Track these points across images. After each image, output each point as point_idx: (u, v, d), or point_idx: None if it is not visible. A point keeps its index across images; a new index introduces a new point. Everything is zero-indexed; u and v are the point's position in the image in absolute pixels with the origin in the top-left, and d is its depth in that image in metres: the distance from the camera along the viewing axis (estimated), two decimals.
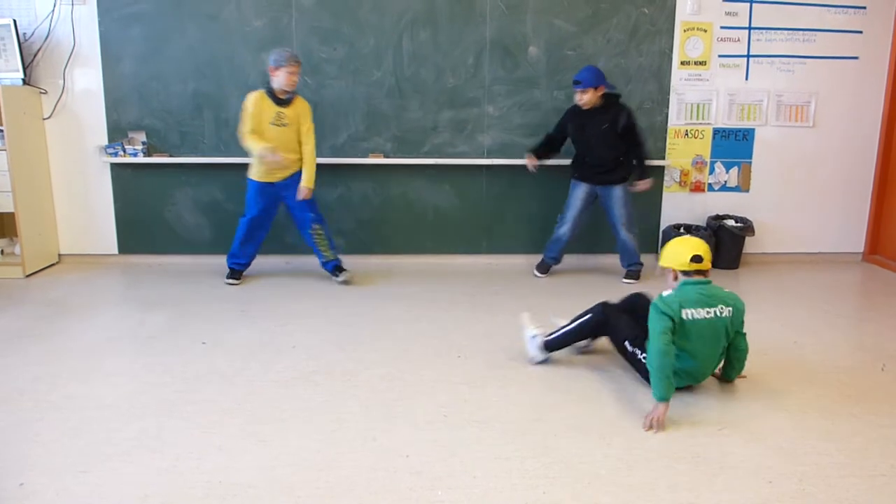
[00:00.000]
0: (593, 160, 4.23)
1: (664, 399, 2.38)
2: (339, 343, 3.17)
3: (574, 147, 4.33)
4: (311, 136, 4.00)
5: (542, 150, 4.37)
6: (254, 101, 3.83)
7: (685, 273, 2.56)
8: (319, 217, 4.13)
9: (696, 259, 2.52)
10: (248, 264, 4.24)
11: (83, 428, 2.32)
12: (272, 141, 3.83)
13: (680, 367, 2.50)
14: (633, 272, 4.39)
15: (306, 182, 3.97)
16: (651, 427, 2.35)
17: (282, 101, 3.87)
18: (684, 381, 2.59)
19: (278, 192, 4.04)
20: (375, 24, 4.42)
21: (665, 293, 2.54)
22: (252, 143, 3.82)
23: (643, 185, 4.22)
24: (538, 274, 4.45)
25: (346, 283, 4.16)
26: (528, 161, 4.32)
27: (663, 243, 4.77)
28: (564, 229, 4.36)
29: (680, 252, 2.57)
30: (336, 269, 4.20)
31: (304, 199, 3.99)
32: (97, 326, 3.39)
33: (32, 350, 3.05)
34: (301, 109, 3.96)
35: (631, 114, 4.16)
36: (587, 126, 4.17)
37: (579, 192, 4.33)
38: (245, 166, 4.53)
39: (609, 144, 4.15)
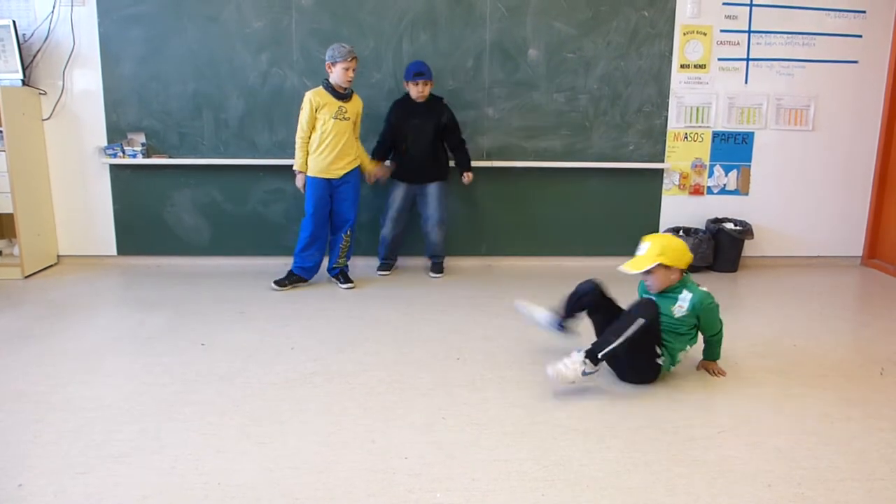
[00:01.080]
0: (412, 157, 4.25)
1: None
2: (338, 345, 3.17)
3: (393, 144, 4.32)
4: (358, 128, 4.14)
5: (386, 155, 4.38)
6: (312, 100, 3.87)
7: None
8: (355, 227, 4.18)
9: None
10: (314, 269, 4.17)
11: (82, 429, 2.32)
12: (336, 136, 3.90)
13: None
14: (440, 265, 4.54)
15: (368, 164, 4.19)
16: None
17: (342, 95, 3.92)
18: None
19: (333, 189, 4.04)
20: (375, 25, 4.43)
21: (702, 288, 2.78)
22: (297, 151, 3.93)
23: (470, 176, 4.36)
24: (381, 272, 4.52)
25: (350, 289, 4.12)
26: (378, 171, 4.32)
27: None
28: (385, 230, 4.45)
29: (687, 254, 2.79)
30: (342, 275, 4.19)
31: (352, 203, 4.08)
32: (96, 327, 3.39)
33: (31, 351, 3.04)
34: (358, 105, 4.05)
35: (451, 111, 4.29)
36: (413, 120, 4.21)
37: (398, 193, 4.37)
38: (244, 167, 4.55)
39: (429, 141, 4.23)
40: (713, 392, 2.70)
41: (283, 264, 4.60)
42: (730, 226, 4.70)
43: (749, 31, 4.63)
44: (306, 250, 4.09)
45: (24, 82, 4.32)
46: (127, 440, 2.25)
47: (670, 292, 2.77)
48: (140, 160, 4.47)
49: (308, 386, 2.71)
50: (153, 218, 4.63)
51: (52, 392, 2.62)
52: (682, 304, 2.75)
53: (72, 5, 4.31)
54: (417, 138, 4.22)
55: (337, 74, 3.84)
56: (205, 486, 1.99)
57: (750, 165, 4.83)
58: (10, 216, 4.27)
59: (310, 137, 3.93)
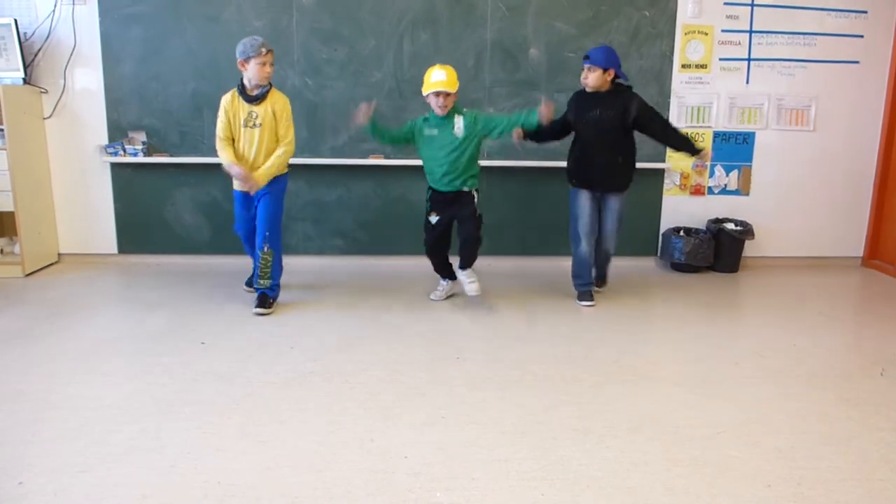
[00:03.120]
0: (592, 159, 3.65)
1: None
2: (338, 344, 3.17)
3: (573, 142, 3.82)
4: (287, 136, 3.49)
5: (537, 130, 3.61)
6: (225, 104, 3.44)
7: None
8: (276, 242, 3.60)
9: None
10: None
11: (82, 428, 2.32)
12: (247, 146, 3.44)
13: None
14: (599, 282, 4.05)
15: (259, 174, 3.40)
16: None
17: (254, 97, 3.40)
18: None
19: (252, 202, 3.61)
20: (376, 25, 4.43)
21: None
22: (220, 153, 3.44)
23: (704, 157, 3.71)
24: (588, 303, 3.82)
25: (260, 315, 3.56)
26: (514, 133, 3.58)
27: (663, 247, 4.78)
28: (582, 248, 3.80)
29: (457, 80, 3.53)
30: (265, 298, 3.62)
31: (269, 216, 3.53)
32: (96, 326, 3.39)
33: (31, 350, 3.05)
34: (277, 105, 3.44)
35: (643, 101, 3.59)
36: (590, 113, 3.60)
37: (584, 200, 3.76)
38: None
39: (613, 140, 3.61)
40: (713, 392, 2.70)
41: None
42: (730, 226, 4.69)
43: (750, 31, 4.63)
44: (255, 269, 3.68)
45: (26, 81, 4.32)
46: (127, 439, 2.25)
47: (447, 117, 3.53)
48: (141, 159, 4.47)
49: (308, 385, 2.71)
50: (154, 216, 4.63)
51: (52, 391, 2.62)
52: (459, 125, 3.52)
53: (73, 4, 4.32)
54: (594, 136, 3.63)
55: (252, 72, 3.32)
56: (204, 484, 1.99)
57: (751, 165, 4.82)
58: (10, 214, 4.27)
59: (230, 141, 3.46)
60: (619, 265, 4.62)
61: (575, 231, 3.82)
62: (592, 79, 3.54)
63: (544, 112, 3.39)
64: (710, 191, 4.84)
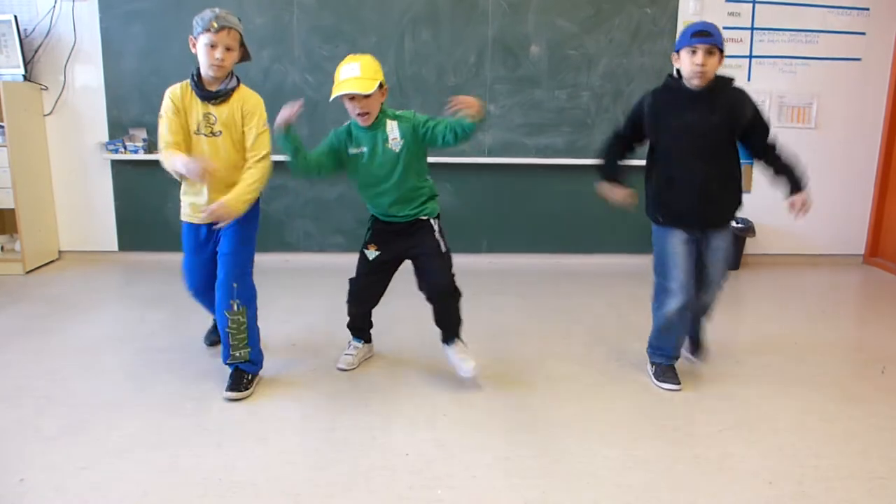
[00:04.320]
0: (689, 181, 2.56)
1: None
2: (339, 342, 3.16)
3: (653, 161, 2.68)
4: (259, 149, 2.46)
5: (616, 170, 2.74)
6: (172, 97, 2.47)
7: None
8: (247, 293, 2.53)
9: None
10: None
11: (83, 425, 2.32)
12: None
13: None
14: (699, 344, 2.93)
15: (232, 199, 2.36)
16: None
17: (212, 94, 2.43)
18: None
19: (210, 239, 2.59)
20: (377, 22, 4.42)
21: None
22: (168, 160, 2.48)
23: (801, 201, 2.62)
24: (673, 386, 2.67)
25: (233, 400, 2.49)
26: (614, 193, 2.74)
27: None
28: (673, 304, 2.61)
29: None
30: (240, 376, 2.54)
31: (232, 261, 2.48)
32: (97, 323, 3.39)
33: (32, 347, 3.05)
34: (247, 105, 2.47)
35: (754, 101, 2.57)
36: (683, 119, 2.51)
37: (676, 243, 2.64)
38: None
39: (714, 156, 2.57)
40: (714, 391, 2.70)
41: (283, 261, 4.62)
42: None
43: (752, 28, 4.62)
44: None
45: (26, 77, 4.31)
46: (128, 436, 2.25)
47: (374, 127, 2.53)
48: (141, 156, 4.47)
49: (309, 382, 2.71)
50: (154, 214, 4.62)
51: (53, 388, 2.62)
52: (394, 134, 2.53)
53: (73, 0, 4.31)
54: (689, 151, 2.54)
55: (200, 56, 2.37)
56: (205, 481, 1.99)
57: (752, 163, 4.79)
58: (11, 212, 4.26)
59: (179, 147, 2.52)
60: (619, 263, 4.63)
61: (664, 285, 2.66)
62: (713, 66, 2.43)
63: (472, 112, 2.47)
64: None
